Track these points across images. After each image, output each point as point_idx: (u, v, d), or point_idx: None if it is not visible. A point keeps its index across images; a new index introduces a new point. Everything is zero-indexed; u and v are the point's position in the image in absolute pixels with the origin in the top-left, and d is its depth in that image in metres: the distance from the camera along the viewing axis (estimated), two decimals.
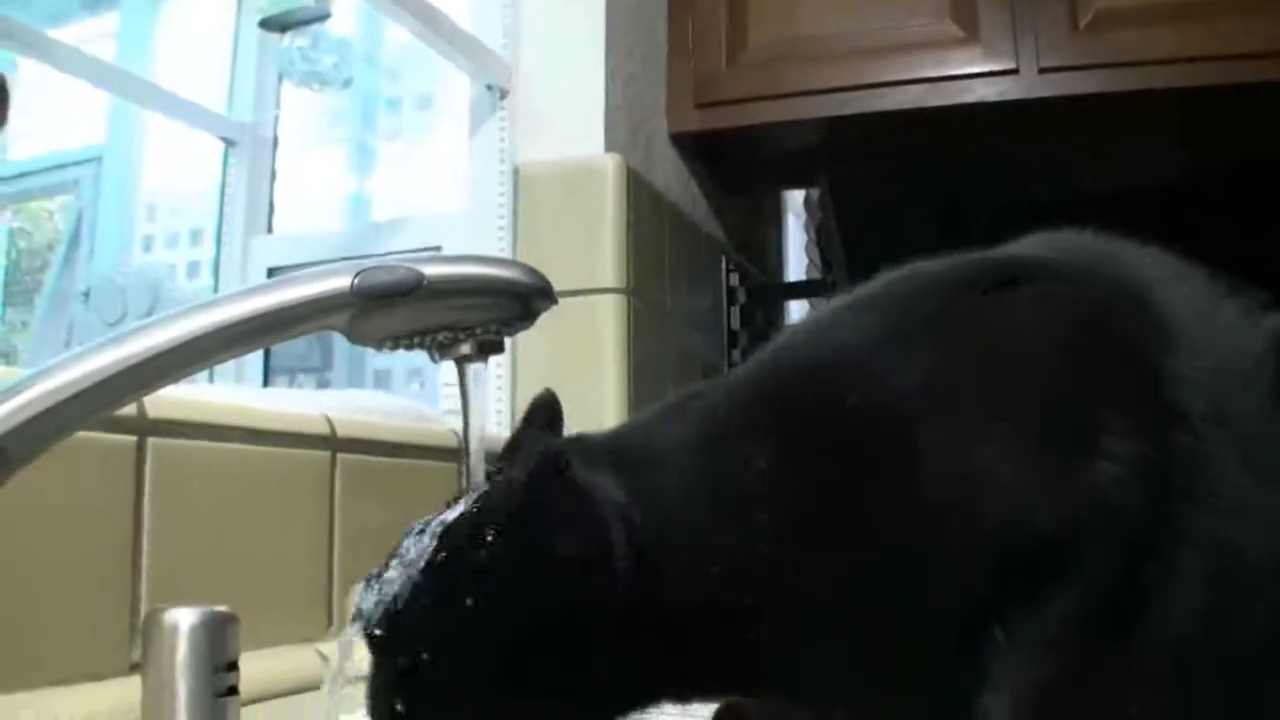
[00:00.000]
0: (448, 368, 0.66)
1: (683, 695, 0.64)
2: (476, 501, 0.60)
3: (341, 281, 0.60)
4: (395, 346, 0.64)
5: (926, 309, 0.64)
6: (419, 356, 0.66)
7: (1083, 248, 0.71)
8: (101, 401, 0.58)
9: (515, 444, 0.69)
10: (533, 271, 0.64)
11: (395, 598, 0.59)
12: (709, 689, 0.64)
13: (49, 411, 0.55)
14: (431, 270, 0.60)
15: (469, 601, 0.57)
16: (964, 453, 0.58)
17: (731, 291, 2.04)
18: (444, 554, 0.59)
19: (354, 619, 0.61)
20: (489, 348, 0.65)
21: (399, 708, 0.58)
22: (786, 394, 0.63)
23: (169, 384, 0.61)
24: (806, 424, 0.61)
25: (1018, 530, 0.57)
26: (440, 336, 0.64)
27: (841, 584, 0.58)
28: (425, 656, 0.57)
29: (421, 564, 0.59)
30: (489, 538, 0.58)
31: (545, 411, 0.70)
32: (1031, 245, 0.73)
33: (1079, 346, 0.61)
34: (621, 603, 0.58)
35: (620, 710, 0.63)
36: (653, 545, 0.59)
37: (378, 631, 0.59)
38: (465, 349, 0.64)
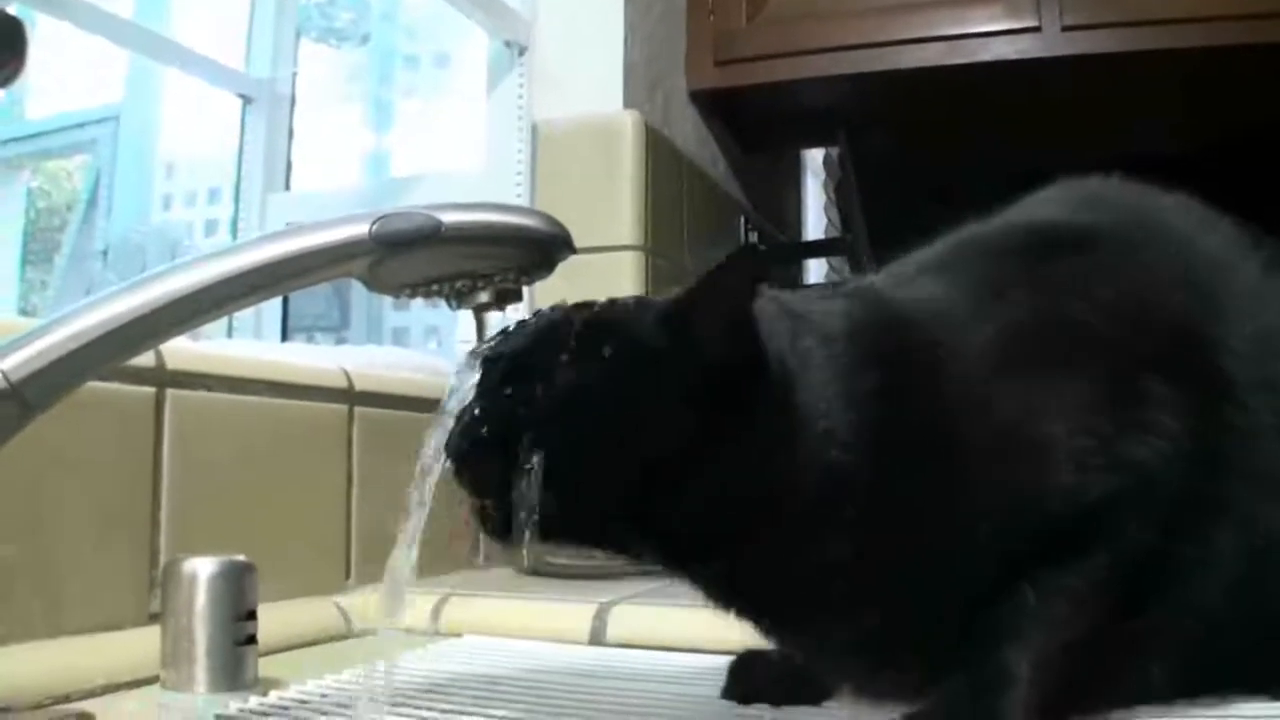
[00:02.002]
0: (465, 325, 0.66)
1: (725, 590, 0.64)
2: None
3: (360, 228, 0.60)
4: (414, 294, 0.64)
5: (989, 274, 0.64)
6: (436, 314, 0.66)
7: (1116, 203, 0.71)
8: (120, 348, 0.58)
9: None
10: (551, 220, 0.64)
11: (537, 332, 0.60)
12: (750, 596, 0.63)
13: (67, 357, 0.55)
14: (449, 217, 0.60)
15: (607, 352, 0.58)
16: (1019, 417, 0.58)
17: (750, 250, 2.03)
18: (602, 314, 0.60)
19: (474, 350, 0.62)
20: (507, 296, 0.65)
21: (484, 430, 0.59)
22: (873, 340, 0.62)
23: (187, 331, 0.61)
24: (887, 374, 0.60)
25: (1060, 496, 0.57)
26: (459, 284, 0.64)
27: (908, 525, 0.58)
28: (539, 392, 0.58)
29: (576, 322, 0.60)
30: (651, 315, 0.59)
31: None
32: (1060, 195, 0.72)
33: (1135, 321, 0.61)
34: (735, 443, 0.57)
35: (664, 553, 0.62)
36: (800, 408, 0.58)
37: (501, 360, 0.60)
38: (483, 297, 0.64)
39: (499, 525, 0.59)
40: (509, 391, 0.59)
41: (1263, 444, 0.61)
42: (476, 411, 0.60)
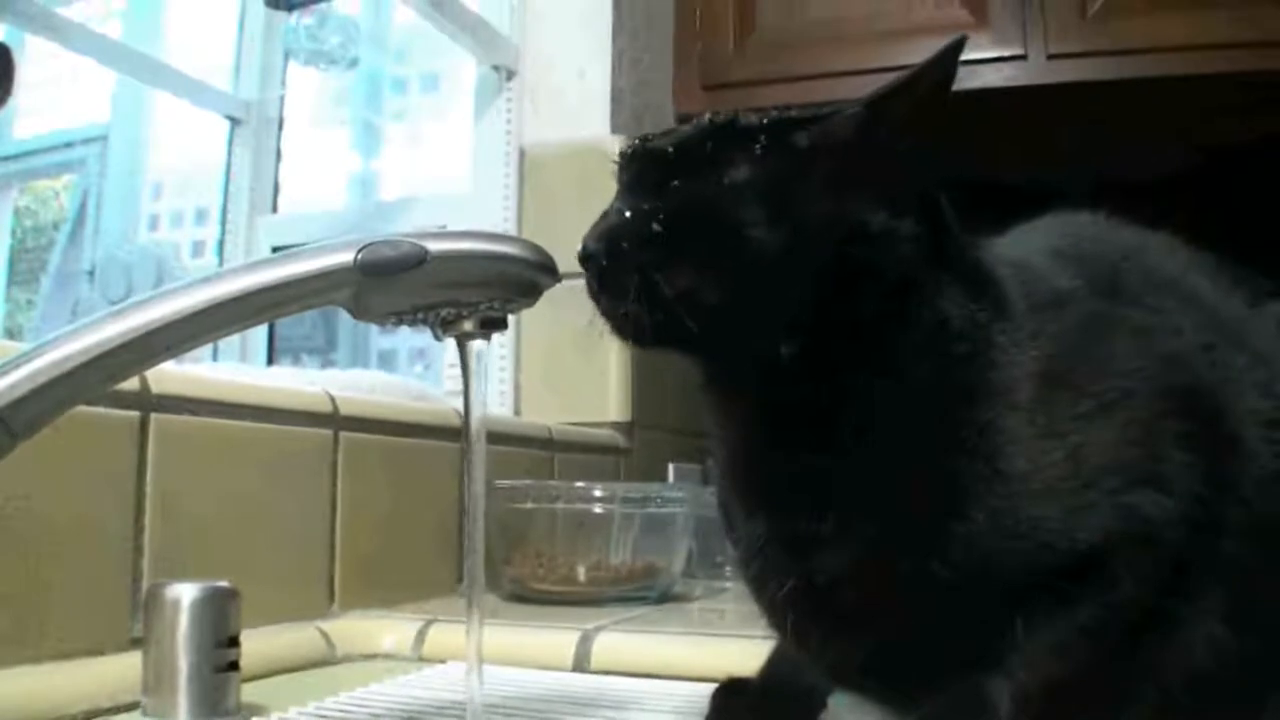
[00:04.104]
0: (452, 349, 0.66)
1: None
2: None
3: (345, 257, 0.59)
4: (399, 322, 0.64)
5: (1039, 288, 0.64)
6: (423, 337, 0.65)
7: (1116, 244, 0.71)
8: (105, 375, 0.58)
9: None
10: (536, 248, 0.64)
11: (706, 128, 0.59)
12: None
13: (52, 384, 0.55)
14: (435, 246, 0.60)
15: (803, 142, 0.58)
16: (1046, 440, 0.58)
17: None
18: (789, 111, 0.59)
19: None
20: (492, 324, 0.65)
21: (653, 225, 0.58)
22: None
23: (173, 358, 0.61)
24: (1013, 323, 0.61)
25: (1058, 533, 0.57)
26: (443, 313, 0.63)
27: (939, 466, 0.58)
28: (728, 180, 0.57)
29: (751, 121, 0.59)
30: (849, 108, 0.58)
31: None
32: (1055, 230, 0.73)
33: (1165, 388, 0.61)
34: (876, 300, 0.57)
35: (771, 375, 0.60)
36: (960, 268, 0.59)
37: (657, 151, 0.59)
38: (468, 325, 0.64)
39: (641, 331, 0.59)
40: (679, 184, 0.58)
41: (1259, 499, 0.61)
42: (627, 212, 0.60)
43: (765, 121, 0.59)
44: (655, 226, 0.58)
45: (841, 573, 0.59)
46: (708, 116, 0.61)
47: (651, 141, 0.62)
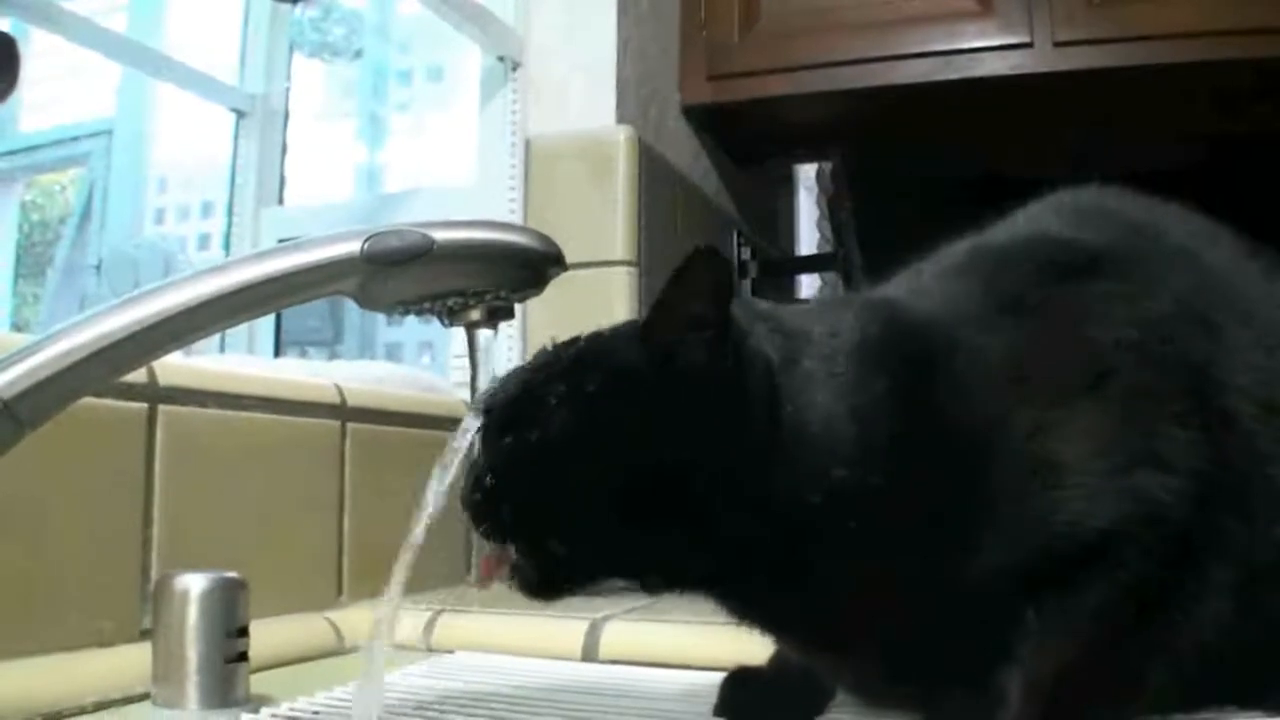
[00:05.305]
0: (458, 340, 0.66)
1: (738, 606, 0.63)
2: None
3: (352, 246, 0.60)
4: (406, 312, 0.64)
5: (1009, 289, 0.64)
6: (429, 329, 0.65)
7: (1120, 216, 0.71)
8: (112, 365, 0.58)
9: None
10: (543, 237, 0.64)
11: (528, 376, 0.60)
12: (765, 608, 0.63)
13: (60, 374, 0.55)
14: (442, 235, 0.60)
15: (591, 388, 0.58)
16: (1033, 437, 0.58)
17: (743, 265, 2.03)
18: (586, 346, 0.61)
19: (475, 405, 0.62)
20: (499, 314, 0.65)
21: (489, 480, 0.60)
22: (884, 354, 0.61)
23: (180, 348, 0.61)
24: (898, 388, 0.60)
25: (1068, 524, 0.57)
26: (451, 302, 0.63)
27: (915, 529, 0.58)
28: (534, 437, 0.58)
29: (563, 359, 0.61)
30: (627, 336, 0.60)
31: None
32: (1061, 206, 0.72)
33: (1151, 358, 0.61)
34: (734, 463, 0.57)
35: (673, 581, 0.62)
36: (792, 424, 0.58)
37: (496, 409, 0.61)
38: (475, 315, 0.64)
39: (531, 581, 0.61)
40: (509, 440, 0.59)
41: (1256, 476, 0.61)
42: (481, 462, 0.60)
43: (565, 366, 0.60)
44: (504, 476, 0.60)
45: (851, 581, 0.60)
46: (535, 356, 0.63)
47: (490, 394, 0.62)
